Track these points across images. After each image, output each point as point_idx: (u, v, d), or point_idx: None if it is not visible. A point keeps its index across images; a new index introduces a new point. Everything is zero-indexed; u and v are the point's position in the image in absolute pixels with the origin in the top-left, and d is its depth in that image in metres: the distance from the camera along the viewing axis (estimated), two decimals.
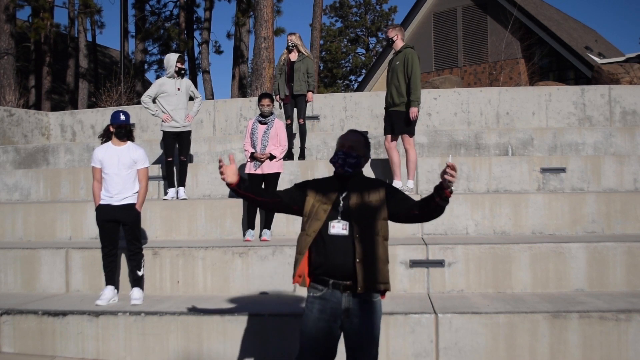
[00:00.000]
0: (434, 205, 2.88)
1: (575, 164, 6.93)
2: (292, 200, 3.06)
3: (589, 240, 5.33)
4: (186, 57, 22.78)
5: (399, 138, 6.50)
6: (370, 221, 2.91)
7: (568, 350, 4.29)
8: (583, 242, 5.18)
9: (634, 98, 8.98)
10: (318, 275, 2.93)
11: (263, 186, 5.99)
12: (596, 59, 20.71)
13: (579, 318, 4.31)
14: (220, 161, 2.98)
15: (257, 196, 3.12)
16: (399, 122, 6.34)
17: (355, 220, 2.89)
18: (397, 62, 6.31)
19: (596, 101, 9.02)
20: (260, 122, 6.03)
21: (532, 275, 5.09)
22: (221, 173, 2.96)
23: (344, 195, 2.98)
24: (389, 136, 6.49)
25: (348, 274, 2.85)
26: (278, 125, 6.05)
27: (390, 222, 3.03)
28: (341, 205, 2.95)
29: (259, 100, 6.10)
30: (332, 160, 3.04)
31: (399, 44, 6.42)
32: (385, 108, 6.57)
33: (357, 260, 2.84)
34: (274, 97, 7.44)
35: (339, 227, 2.89)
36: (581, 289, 5.06)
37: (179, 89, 6.86)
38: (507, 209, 6.04)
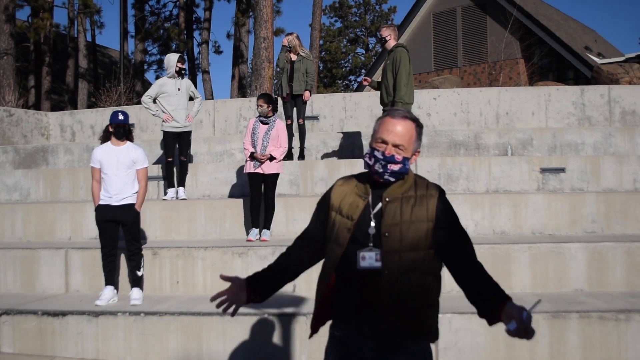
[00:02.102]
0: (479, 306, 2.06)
1: (575, 164, 6.93)
2: (321, 229, 2.21)
3: (589, 240, 5.33)
4: (186, 57, 22.78)
5: None
6: (408, 252, 2.03)
7: (568, 350, 4.29)
8: (583, 242, 5.19)
9: (634, 98, 8.99)
10: (340, 310, 2.15)
11: (263, 186, 5.98)
12: (596, 59, 20.73)
13: (579, 318, 4.31)
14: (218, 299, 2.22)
15: (288, 266, 2.26)
16: None
17: (386, 247, 2.03)
18: (388, 62, 6.33)
19: (596, 101, 9.03)
20: (262, 122, 6.03)
21: (531, 276, 5.10)
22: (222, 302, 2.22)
23: (377, 209, 2.09)
24: None
25: (373, 316, 2.04)
26: (279, 126, 6.04)
27: None
28: (372, 224, 2.07)
29: (257, 100, 6.10)
30: (366, 161, 2.13)
31: (391, 43, 6.44)
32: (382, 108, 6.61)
33: (383, 303, 2.01)
34: (276, 96, 7.42)
35: (370, 259, 2.03)
36: (581, 289, 5.06)
37: (179, 89, 6.86)
38: (507, 209, 6.04)
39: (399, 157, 2.07)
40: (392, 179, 2.10)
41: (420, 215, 2.06)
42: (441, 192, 2.15)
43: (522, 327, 1.83)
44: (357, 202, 2.12)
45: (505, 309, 1.93)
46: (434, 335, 2.12)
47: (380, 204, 2.09)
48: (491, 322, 2.01)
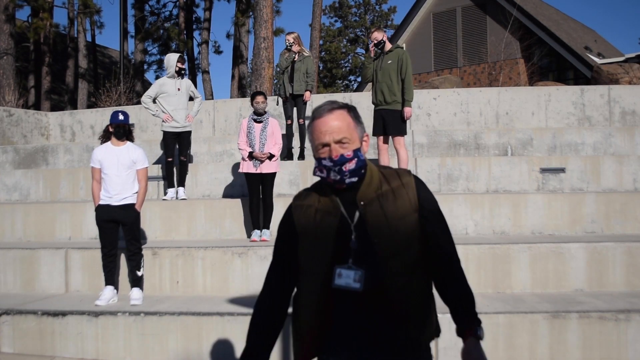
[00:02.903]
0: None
1: (575, 164, 6.93)
2: (290, 265, 1.95)
3: (589, 240, 5.33)
4: (186, 57, 22.77)
5: (389, 139, 6.54)
6: (404, 253, 1.83)
7: (567, 351, 4.29)
8: (582, 242, 5.18)
9: (633, 98, 8.99)
10: (328, 343, 1.89)
11: (261, 186, 5.98)
12: (595, 59, 20.73)
13: (579, 318, 4.31)
14: None
15: (270, 320, 1.98)
16: (393, 122, 6.37)
17: (381, 254, 1.81)
18: (390, 61, 6.39)
19: (595, 101, 9.03)
20: (256, 121, 6.05)
21: (531, 276, 5.09)
22: None
23: (356, 219, 1.85)
24: (382, 137, 6.51)
25: (375, 334, 1.83)
26: (273, 123, 6.07)
27: None
28: (353, 237, 1.83)
29: (253, 98, 6.10)
30: (319, 175, 1.89)
31: (388, 44, 6.54)
32: (375, 107, 6.57)
33: (387, 323, 1.81)
34: (276, 95, 7.45)
35: (347, 277, 1.80)
36: (581, 289, 5.06)
37: (179, 89, 6.86)
38: (507, 209, 6.04)
39: (349, 154, 1.81)
40: (355, 179, 1.84)
41: (405, 208, 1.84)
42: (415, 178, 1.94)
43: None
44: (329, 222, 1.85)
45: (467, 343, 1.85)
46: (436, 332, 1.98)
47: (357, 212, 1.84)
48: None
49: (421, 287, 1.88)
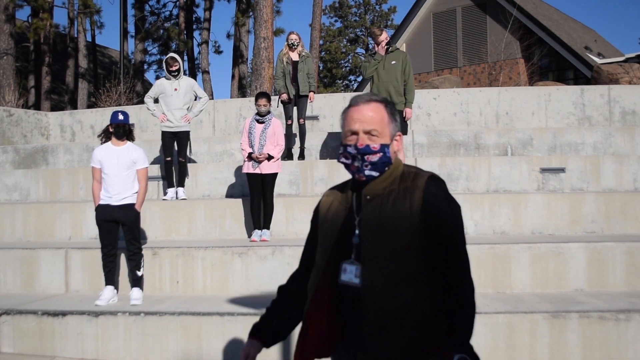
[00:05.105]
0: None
1: (575, 164, 6.93)
2: (315, 246, 1.92)
3: (589, 240, 5.33)
4: (185, 58, 22.80)
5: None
6: (390, 260, 1.71)
7: (568, 350, 4.29)
8: (582, 242, 5.18)
9: (634, 98, 8.99)
10: (342, 339, 1.84)
11: (261, 186, 5.98)
12: (595, 59, 20.73)
13: (579, 318, 4.31)
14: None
15: (294, 304, 1.95)
16: (401, 121, 6.49)
17: (365, 256, 1.73)
18: (393, 62, 6.49)
19: (595, 101, 9.03)
20: (258, 121, 6.04)
21: (531, 275, 5.09)
22: None
23: (361, 215, 1.79)
24: None
25: (362, 343, 1.74)
26: (276, 124, 6.05)
27: None
28: (357, 232, 1.78)
29: (256, 100, 6.08)
30: (343, 162, 1.83)
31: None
32: None
33: (368, 324, 1.71)
34: (280, 95, 7.47)
35: (350, 273, 1.75)
36: (581, 288, 5.06)
37: (176, 89, 6.84)
38: (507, 209, 6.04)
39: (375, 146, 1.75)
40: (375, 174, 1.77)
41: (402, 211, 1.72)
42: (431, 182, 1.78)
43: None
44: (339, 212, 1.83)
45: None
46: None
47: (362, 208, 1.78)
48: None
49: (415, 303, 1.69)
